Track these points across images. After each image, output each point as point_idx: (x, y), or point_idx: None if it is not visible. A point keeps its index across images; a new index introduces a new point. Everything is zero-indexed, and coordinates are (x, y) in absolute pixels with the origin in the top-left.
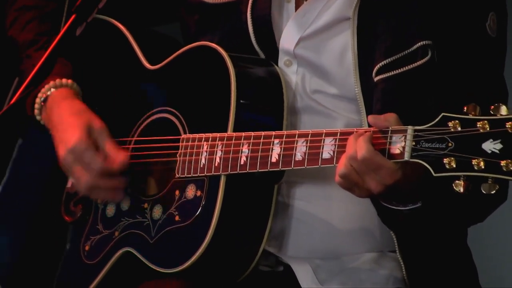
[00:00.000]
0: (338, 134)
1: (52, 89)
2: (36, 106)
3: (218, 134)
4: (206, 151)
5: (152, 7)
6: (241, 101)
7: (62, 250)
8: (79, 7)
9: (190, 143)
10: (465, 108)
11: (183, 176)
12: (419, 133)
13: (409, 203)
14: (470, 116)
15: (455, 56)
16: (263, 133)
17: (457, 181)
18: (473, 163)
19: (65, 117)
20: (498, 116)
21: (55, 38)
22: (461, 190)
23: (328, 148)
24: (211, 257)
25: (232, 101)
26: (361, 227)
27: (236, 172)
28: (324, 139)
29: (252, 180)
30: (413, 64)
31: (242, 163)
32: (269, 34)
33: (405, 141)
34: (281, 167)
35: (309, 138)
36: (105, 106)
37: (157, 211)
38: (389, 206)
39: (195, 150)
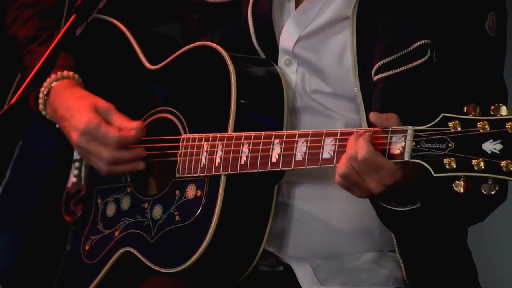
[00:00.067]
0: (338, 134)
1: (54, 82)
2: (40, 100)
3: (218, 134)
4: (207, 151)
5: (152, 7)
6: (242, 101)
7: (62, 251)
8: (79, 7)
9: (190, 143)
10: (465, 109)
11: (183, 176)
12: (419, 133)
13: (408, 203)
14: (470, 117)
15: (454, 56)
16: (263, 133)
17: (457, 182)
18: (473, 163)
19: (70, 103)
20: (498, 117)
21: (57, 32)
22: (461, 190)
23: (328, 148)
24: (211, 257)
25: (233, 101)
26: (361, 227)
27: (236, 172)
28: (324, 139)
29: (253, 180)
30: (412, 64)
31: (242, 163)
32: (270, 34)
33: (405, 141)
34: (281, 167)
35: (309, 138)
36: None
37: (157, 211)
38: (388, 207)
39: (195, 150)
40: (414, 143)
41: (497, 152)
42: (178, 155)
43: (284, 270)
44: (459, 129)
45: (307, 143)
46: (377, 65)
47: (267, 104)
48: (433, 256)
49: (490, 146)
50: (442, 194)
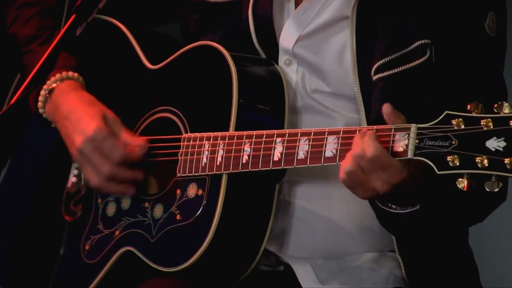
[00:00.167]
0: (341, 132)
1: (59, 82)
2: (41, 98)
3: (219, 133)
4: (208, 150)
5: (152, 7)
6: (243, 100)
7: (58, 251)
8: (79, 7)
9: (191, 142)
10: (469, 106)
11: (185, 175)
12: (422, 131)
13: (408, 205)
14: (474, 114)
15: (454, 55)
16: (265, 132)
17: (460, 179)
18: (476, 161)
19: (77, 106)
20: (502, 114)
21: (58, 32)
22: (465, 188)
23: (330, 147)
24: (212, 256)
25: (234, 100)
26: (362, 226)
27: (238, 171)
28: (326, 138)
29: (254, 180)
30: (412, 63)
31: (244, 161)
32: (270, 33)
33: (408, 139)
34: (284, 166)
35: (311, 136)
36: (106, 106)
37: (158, 210)
38: (388, 209)
39: (196, 149)
40: (417, 141)
41: (501, 149)
42: (179, 154)
43: (284, 270)
44: (463, 126)
45: (309, 141)
46: (377, 64)
47: (268, 103)
48: (433, 256)
49: (494, 144)
50: (443, 194)
